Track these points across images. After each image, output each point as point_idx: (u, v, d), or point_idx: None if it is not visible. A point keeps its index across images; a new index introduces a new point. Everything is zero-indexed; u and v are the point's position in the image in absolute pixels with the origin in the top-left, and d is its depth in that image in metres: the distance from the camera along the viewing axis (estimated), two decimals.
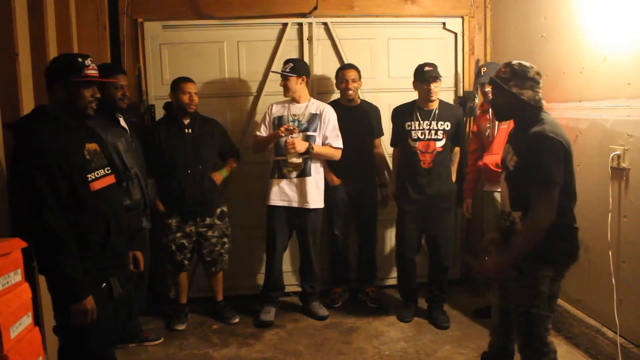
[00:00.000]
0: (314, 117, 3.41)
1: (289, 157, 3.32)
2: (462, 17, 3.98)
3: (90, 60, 1.98)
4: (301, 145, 3.32)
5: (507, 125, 3.02)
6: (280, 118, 3.42)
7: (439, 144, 3.29)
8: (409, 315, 3.48)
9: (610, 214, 2.68)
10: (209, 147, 3.41)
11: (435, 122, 3.29)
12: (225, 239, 3.49)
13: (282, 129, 3.28)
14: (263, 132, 3.44)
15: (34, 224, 1.83)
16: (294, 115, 3.41)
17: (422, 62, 3.28)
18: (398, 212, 3.49)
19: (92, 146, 2.04)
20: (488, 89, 3.08)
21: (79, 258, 1.88)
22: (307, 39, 3.86)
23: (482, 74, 3.30)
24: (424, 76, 3.21)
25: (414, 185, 3.32)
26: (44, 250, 1.84)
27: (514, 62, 2.08)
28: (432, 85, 3.21)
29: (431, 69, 3.21)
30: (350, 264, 3.87)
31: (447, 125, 3.30)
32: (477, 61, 3.96)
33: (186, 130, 3.35)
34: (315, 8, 3.74)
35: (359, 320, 3.49)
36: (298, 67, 3.38)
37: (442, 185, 3.34)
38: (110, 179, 2.09)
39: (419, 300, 3.62)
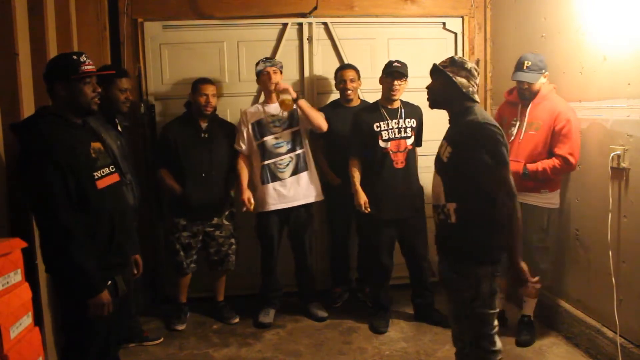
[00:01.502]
0: (292, 112, 3.38)
1: (282, 95, 3.25)
2: (462, 17, 3.98)
3: (86, 56, 2.00)
4: (285, 84, 3.30)
5: (536, 132, 2.91)
6: (259, 122, 3.36)
7: (409, 142, 3.27)
8: (385, 326, 3.35)
9: (610, 214, 2.68)
10: (224, 152, 3.40)
11: (402, 120, 3.26)
12: (233, 240, 3.49)
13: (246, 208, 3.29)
14: (242, 145, 3.38)
15: (47, 221, 1.87)
16: (273, 115, 3.37)
17: (391, 59, 3.26)
18: (371, 221, 3.31)
19: (96, 145, 2.07)
20: (526, 86, 2.93)
21: (92, 253, 1.92)
22: (307, 39, 3.86)
23: (525, 68, 2.91)
24: (390, 70, 3.19)
25: (389, 188, 3.22)
26: (59, 247, 1.87)
27: (456, 56, 2.17)
28: (396, 82, 3.18)
29: (399, 65, 3.18)
30: (350, 264, 3.87)
31: (414, 122, 3.29)
32: (477, 61, 3.96)
33: (202, 135, 3.35)
34: (315, 8, 3.74)
35: (359, 320, 3.49)
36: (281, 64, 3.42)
37: (416, 183, 3.33)
38: (115, 177, 2.11)
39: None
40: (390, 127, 3.25)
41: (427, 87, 2.21)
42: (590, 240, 2.95)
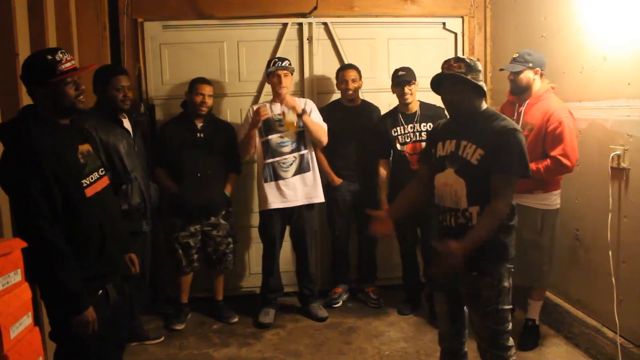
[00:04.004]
0: (299, 114, 3.36)
1: (285, 115, 3.27)
2: (462, 17, 3.98)
3: (62, 53, 1.82)
4: (292, 100, 3.30)
5: (530, 133, 2.85)
6: (265, 119, 3.35)
7: (424, 144, 3.31)
8: (407, 310, 3.54)
9: (610, 214, 2.68)
10: (220, 152, 3.40)
11: (418, 124, 3.39)
12: (230, 239, 3.49)
13: (256, 115, 3.25)
14: None
15: (31, 236, 1.76)
16: (279, 115, 3.37)
17: (397, 68, 3.39)
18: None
19: (84, 147, 1.95)
20: (511, 77, 2.93)
21: (78, 269, 1.82)
22: (307, 39, 3.86)
23: (512, 60, 2.94)
24: (397, 80, 3.34)
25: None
26: (42, 262, 1.78)
27: (464, 56, 2.13)
28: (406, 89, 3.32)
29: (404, 73, 3.33)
30: (351, 264, 3.87)
31: (429, 127, 3.34)
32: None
33: (198, 135, 3.35)
34: (315, 8, 3.74)
35: (359, 320, 3.49)
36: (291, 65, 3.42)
37: None
38: (105, 181, 2.00)
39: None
40: (406, 131, 3.40)
41: (447, 100, 2.15)
42: (590, 240, 2.96)
